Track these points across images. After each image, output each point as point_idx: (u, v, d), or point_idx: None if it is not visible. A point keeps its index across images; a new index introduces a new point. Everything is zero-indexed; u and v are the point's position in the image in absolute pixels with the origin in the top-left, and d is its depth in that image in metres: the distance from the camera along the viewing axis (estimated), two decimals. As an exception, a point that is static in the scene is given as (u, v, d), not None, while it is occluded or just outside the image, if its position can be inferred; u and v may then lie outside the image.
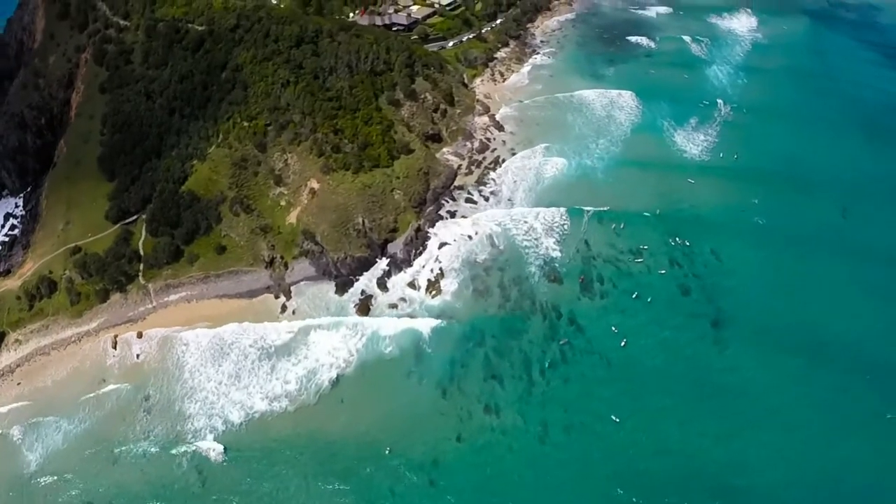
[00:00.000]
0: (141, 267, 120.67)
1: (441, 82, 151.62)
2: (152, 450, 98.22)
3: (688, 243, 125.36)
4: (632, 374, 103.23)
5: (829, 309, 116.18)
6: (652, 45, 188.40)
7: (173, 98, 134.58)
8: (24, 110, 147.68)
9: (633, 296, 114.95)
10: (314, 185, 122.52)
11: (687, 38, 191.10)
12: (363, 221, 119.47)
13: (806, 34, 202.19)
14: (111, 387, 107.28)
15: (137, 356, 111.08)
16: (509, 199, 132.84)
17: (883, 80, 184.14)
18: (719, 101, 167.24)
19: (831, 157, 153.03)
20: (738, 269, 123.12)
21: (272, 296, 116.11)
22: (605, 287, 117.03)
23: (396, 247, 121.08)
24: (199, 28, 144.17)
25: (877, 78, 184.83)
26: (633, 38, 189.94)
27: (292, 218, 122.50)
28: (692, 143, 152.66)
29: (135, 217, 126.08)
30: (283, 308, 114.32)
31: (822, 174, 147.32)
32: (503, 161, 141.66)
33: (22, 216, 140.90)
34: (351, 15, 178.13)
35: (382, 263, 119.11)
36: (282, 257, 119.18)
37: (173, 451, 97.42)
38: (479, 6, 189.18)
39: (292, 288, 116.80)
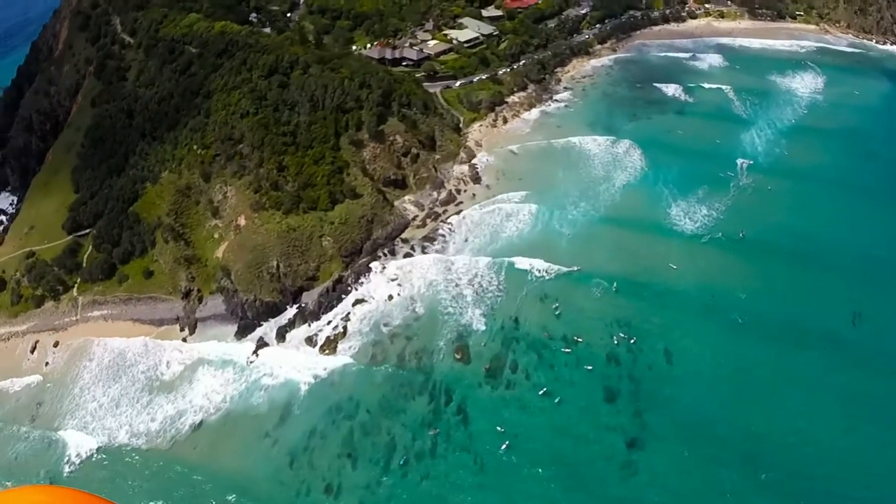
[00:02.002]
0: (78, 279, 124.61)
1: (422, 124, 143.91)
2: (23, 456, 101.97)
3: (633, 340, 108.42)
4: (503, 485, 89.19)
5: (794, 439, 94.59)
6: (689, 98, 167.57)
7: (148, 119, 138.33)
8: (33, 114, 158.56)
9: (541, 392, 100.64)
10: (241, 221, 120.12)
11: (731, 95, 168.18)
12: (278, 265, 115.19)
13: (880, 98, 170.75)
14: (17, 388, 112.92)
15: (47, 364, 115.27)
16: (452, 259, 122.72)
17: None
18: (743, 167, 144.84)
19: (863, 246, 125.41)
20: (689, 377, 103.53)
21: (178, 328, 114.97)
22: (515, 376, 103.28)
23: (311, 297, 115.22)
24: (193, 50, 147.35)
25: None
26: (669, 90, 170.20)
27: (219, 252, 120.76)
28: (690, 216, 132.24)
29: (87, 231, 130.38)
30: (184, 341, 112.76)
31: (843, 265, 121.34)
32: (461, 215, 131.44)
33: (11, 214, 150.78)
34: (367, 47, 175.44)
35: (290, 312, 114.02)
36: (199, 290, 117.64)
37: (36, 462, 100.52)
38: (503, 45, 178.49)
39: (200, 323, 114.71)
